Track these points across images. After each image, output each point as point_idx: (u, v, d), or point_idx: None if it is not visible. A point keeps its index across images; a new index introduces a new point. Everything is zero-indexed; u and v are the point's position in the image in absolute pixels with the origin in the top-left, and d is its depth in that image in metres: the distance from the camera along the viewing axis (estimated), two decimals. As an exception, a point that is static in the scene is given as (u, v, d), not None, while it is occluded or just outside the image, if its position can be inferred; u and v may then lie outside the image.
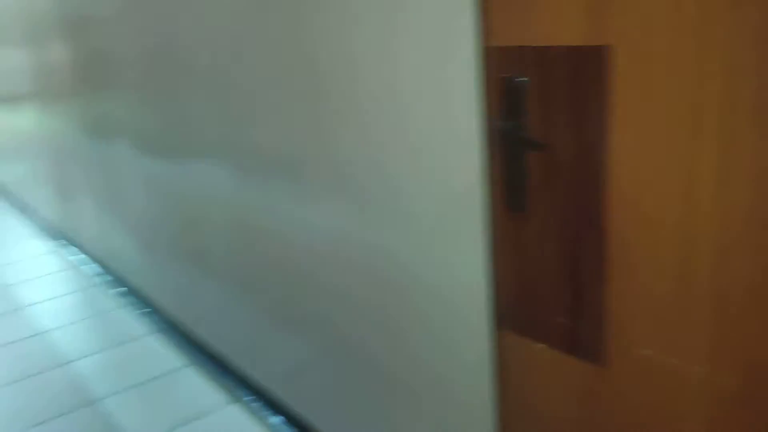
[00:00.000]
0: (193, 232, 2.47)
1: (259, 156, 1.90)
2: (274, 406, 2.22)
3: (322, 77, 1.54)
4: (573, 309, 1.12)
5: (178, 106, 2.28)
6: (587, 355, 1.12)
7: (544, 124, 1.09)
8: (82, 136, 3.35)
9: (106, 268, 3.54)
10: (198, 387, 2.49)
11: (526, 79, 1.10)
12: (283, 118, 1.73)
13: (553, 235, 1.12)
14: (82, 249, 3.85)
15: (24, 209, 4.94)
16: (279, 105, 1.73)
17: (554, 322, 1.16)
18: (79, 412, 2.40)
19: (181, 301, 2.77)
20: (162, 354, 2.75)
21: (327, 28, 1.48)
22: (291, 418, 2.13)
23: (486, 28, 1.13)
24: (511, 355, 1.25)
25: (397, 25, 1.28)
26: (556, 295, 1.14)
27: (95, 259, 3.68)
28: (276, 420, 2.18)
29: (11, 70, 4.17)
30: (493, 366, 1.28)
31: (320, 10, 1.48)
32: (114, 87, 2.79)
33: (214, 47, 1.95)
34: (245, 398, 2.33)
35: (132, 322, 3.04)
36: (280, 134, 1.77)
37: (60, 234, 4.20)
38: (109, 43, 2.70)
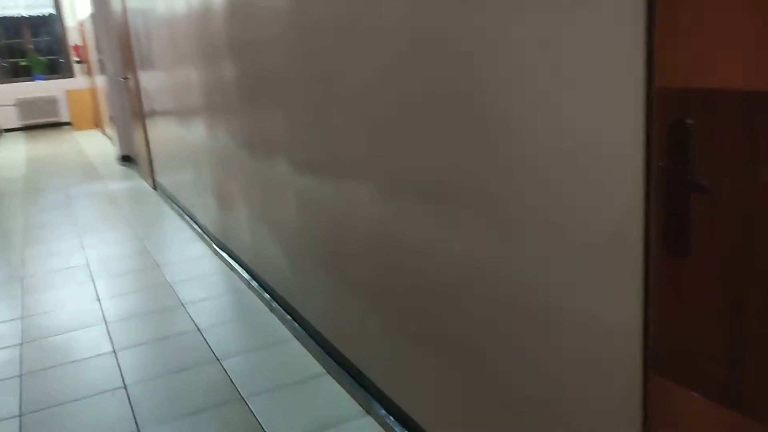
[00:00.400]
0: (338, 248, 2.60)
1: (406, 178, 1.98)
2: (406, 422, 2.27)
3: (480, 108, 1.59)
4: (736, 359, 1.08)
5: (332, 126, 2.43)
6: (749, 409, 1.07)
7: (711, 167, 1.07)
8: (243, 150, 3.63)
9: (255, 275, 3.80)
10: (335, 395, 2.60)
11: (693, 121, 1.09)
12: (434, 142, 1.80)
13: (717, 281, 1.09)
14: (235, 255, 4.15)
15: (186, 214, 5.40)
16: (431, 130, 1.80)
17: (713, 371, 1.12)
18: (226, 407, 2.60)
19: (322, 312, 2.92)
20: (303, 360, 2.90)
21: (484, 63, 1.53)
22: (423, 437, 2.18)
23: (655, 68, 1.13)
24: (662, 402, 1.22)
25: (563, 59, 1.31)
26: (717, 343, 1.10)
27: (246, 265, 3.95)
28: (408, 437, 2.24)
29: (187, 86, 4.60)
30: (641, 411, 1.26)
31: (477, 47, 1.54)
32: (274, 106, 3.01)
33: (365, 72, 2.07)
34: (379, 412, 2.40)
35: (277, 327, 3.24)
36: (430, 158, 1.84)
37: (216, 240, 4.55)
38: (270, 66, 2.92)
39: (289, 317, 3.28)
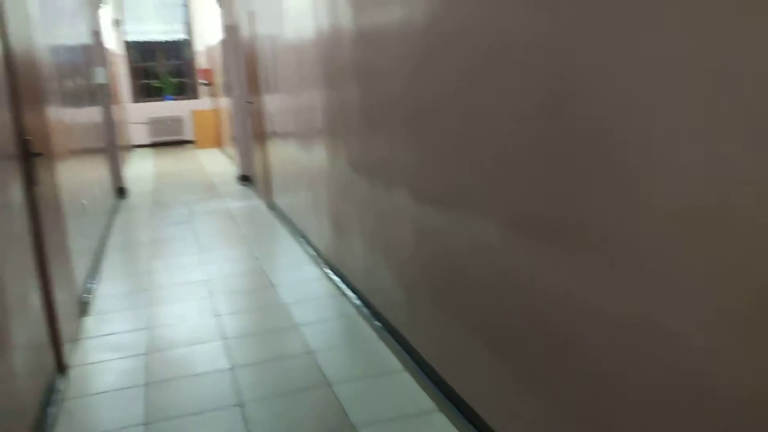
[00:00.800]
0: (454, 282, 2.56)
1: (530, 215, 1.91)
2: (522, 471, 2.18)
3: (621, 148, 1.51)
4: None
5: (456, 158, 2.40)
6: None
7: None
8: (361, 176, 3.68)
9: (366, 301, 3.82)
10: (446, 434, 2.55)
11: None
12: (564, 179, 1.73)
13: None
14: (347, 279, 4.20)
15: (300, 236, 5.54)
16: (562, 166, 1.73)
17: None
18: (336, 434, 2.60)
19: (434, 345, 2.87)
20: (414, 393, 2.86)
21: (624, 102, 1.45)
22: (541, 489, 2.07)
23: None
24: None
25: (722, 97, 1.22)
26: None
27: (357, 290, 3.99)
28: (524, 486, 2.14)
29: (310, 110, 4.74)
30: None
31: (618, 83, 1.46)
32: (397, 135, 3.03)
33: (497, 106, 2.03)
34: (493, 456, 2.32)
35: (387, 356, 3.23)
36: (557, 196, 1.76)
37: (328, 263, 4.63)
38: (395, 95, 2.94)
39: (399, 346, 3.26)
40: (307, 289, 4.31)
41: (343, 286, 4.21)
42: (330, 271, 4.54)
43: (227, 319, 3.85)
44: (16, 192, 2.78)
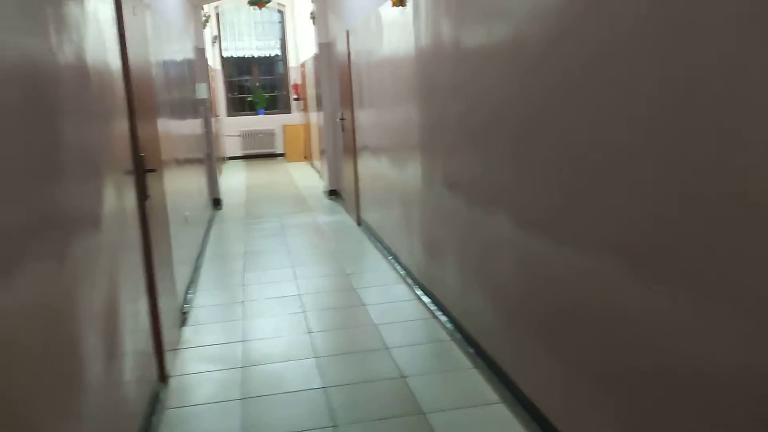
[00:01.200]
0: (561, 314, 2.45)
1: (651, 246, 1.79)
2: None
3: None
4: None
5: (569, 185, 2.30)
6: None
7: None
8: (458, 197, 3.61)
9: (459, 326, 3.74)
10: (548, 475, 2.43)
11: None
12: (694, 210, 1.60)
13: None
14: (439, 302, 4.14)
15: (389, 254, 5.53)
16: (687, 191, 1.61)
17: None
18: (430, 464, 2.53)
19: (535, 380, 2.76)
20: (511, 428, 2.76)
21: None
22: None
23: None
24: None
25: None
26: None
27: (450, 314, 3.91)
28: None
29: (405, 127, 4.73)
30: None
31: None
32: (500, 157, 2.95)
33: (620, 132, 1.92)
34: (601, 505, 2.19)
35: (482, 386, 3.13)
36: (683, 226, 1.64)
37: (419, 284, 4.58)
38: (501, 114, 2.87)
39: (495, 376, 3.16)
40: (398, 310, 4.27)
41: (435, 309, 4.15)
42: (421, 292, 4.48)
43: (319, 337, 3.86)
44: (130, 205, 2.89)
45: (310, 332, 3.94)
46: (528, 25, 2.54)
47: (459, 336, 3.69)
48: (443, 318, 3.98)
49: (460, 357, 3.49)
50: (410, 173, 4.66)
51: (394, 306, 4.36)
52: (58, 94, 1.98)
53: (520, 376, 2.92)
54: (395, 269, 5.16)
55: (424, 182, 4.32)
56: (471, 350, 3.49)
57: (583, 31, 2.13)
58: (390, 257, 5.48)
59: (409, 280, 4.79)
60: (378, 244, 5.98)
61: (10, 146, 1.55)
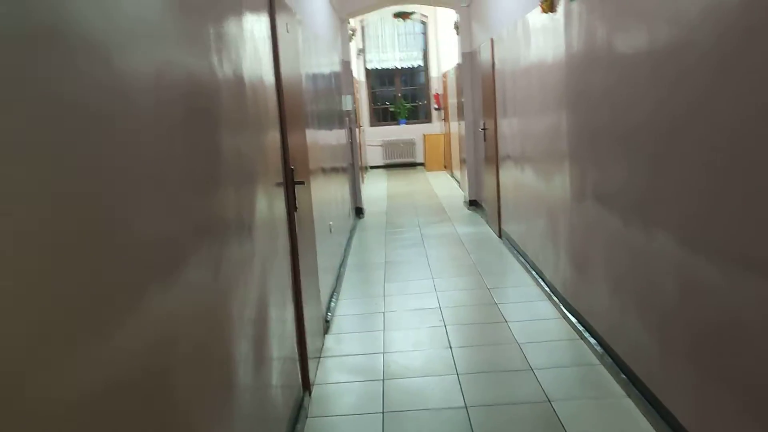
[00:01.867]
0: (732, 346, 2.18)
1: None
2: None
3: None
4: None
5: (737, 198, 2.04)
6: None
7: None
8: (611, 211, 3.38)
9: (609, 349, 3.49)
10: None
11: None
12: None
13: None
14: (586, 322, 3.89)
15: (532, 268, 5.32)
16: None
17: None
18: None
19: (700, 415, 2.49)
20: (672, 468, 2.51)
21: None
22: None
23: None
24: None
25: None
26: None
27: (599, 336, 3.67)
28: None
29: (552, 135, 4.53)
30: None
31: None
32: (657, 164, 2.70)
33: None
34: None
35: (638, 418, 2.89)
36: None
37: (565, 301, 4.35)
38: (658, 118, 2.63)
39: (651, 407, 2.90)
40: (542, 329, 4.08)
41: (582, 329, 3.91)
42: (567, 311, 4.25)
43: (460, 353, 3.77)
44: (279, 216, 2.98)
45: (450, 347, 3.86)
46: (699, 26, 2.31)
47: (609, 360, 3.44)
48: (591, 339, 3.74)
49: (611, 383, 3.25)
50: (556, 183, 4.45)
51: (538, 324, 4.17)
52: (217, 109, 2.06)
53: (680, 411, 2.65)
54: (539, 284, 4.96)
55: (571, 192, 4.10)
56: (623, 376, 3.24)
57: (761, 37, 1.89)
58: (533, 271, 5.27)
59: (554, 297, 4.57)
60: (520, 257, 5.78)
61: (176, 158, 1.62)
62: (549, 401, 3.10)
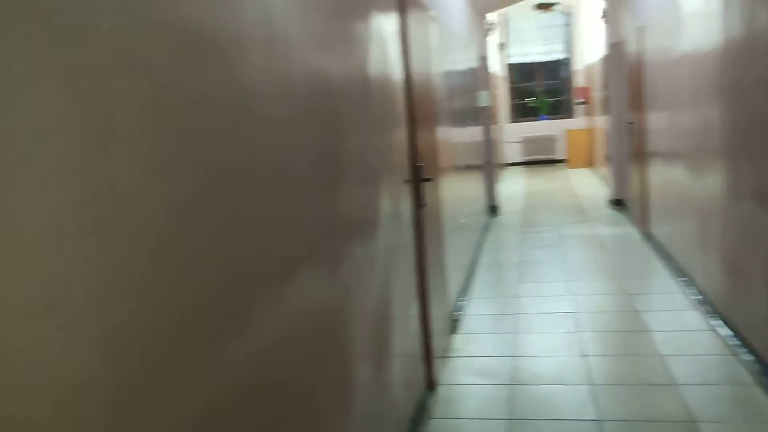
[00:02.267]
0: None
1: None
2: None
3: None
4: None
5: None
6: None
7: None
8: (762, 206, 3.02)
9: (769, 368, 3.13)
10: None
11: None
12: None
13: None
14: (742, 336, 3.52)
15: (680, 275, 4.91)
16: None
17: None
18: None
19: None
20: None
21: None
22: None
23: None
24: None
25: None
26: None
27: (756, 351, 3.30)
28: None
29: (702, 128, 4.15)
30: None
31: None
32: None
33: None
34: None
35: (800, 450, 2.56)
36: None
37: (716, 312, 3.97)
38: None
39: (818, 439, 2.55)
40: (689, 341, 3.74)
41: (736, 344, 3.54)
42: (718, 322, 3.87)
43: (595, 362, 3.55)
44: (405, 213, 2.96)
45: (585, 355, 3.65)
46: None
47: (766, 380, 3.08)
48: (746, 356, 3.37)
49: (767, 406, 2.91)
50: (710, 182, 4.06)
51: (684, 336, 3.83)
52: (343, 106, 2.07)
53: None
54: (686, 293, 4.56)
55: (727, 193, 3.72)
56: (785, 401, 2.89)
57: None
58: (682, 278, 4.86)
59: (704, 307, 4.18)
60: (667, 262, 5.36)
61: (306, 156, 1.64)
62: (694, 421, 2.83)
